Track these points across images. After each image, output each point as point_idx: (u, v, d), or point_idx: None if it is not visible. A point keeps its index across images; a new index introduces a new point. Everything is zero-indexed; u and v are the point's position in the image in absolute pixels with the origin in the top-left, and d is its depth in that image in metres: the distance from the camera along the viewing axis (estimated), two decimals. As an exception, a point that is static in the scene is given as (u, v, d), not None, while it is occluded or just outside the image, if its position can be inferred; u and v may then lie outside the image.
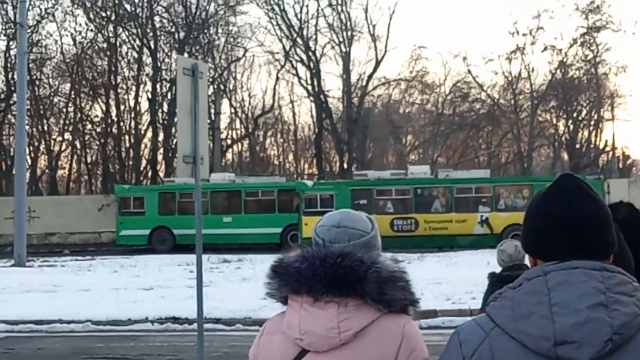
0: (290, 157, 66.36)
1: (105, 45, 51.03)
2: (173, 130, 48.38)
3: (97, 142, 52.60)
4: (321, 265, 2.48)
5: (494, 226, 32.25)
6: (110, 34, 50.79)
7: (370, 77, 53.38)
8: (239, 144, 61.37)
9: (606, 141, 53.80)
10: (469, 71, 53.17)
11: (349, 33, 52.83)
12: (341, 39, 53.00)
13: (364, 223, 2.72)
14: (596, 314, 1.95)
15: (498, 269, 7.16)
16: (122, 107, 51.69)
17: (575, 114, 52.83)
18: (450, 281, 19.95)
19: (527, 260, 6.71)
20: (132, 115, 51.89)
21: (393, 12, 69.75)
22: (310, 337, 2.50)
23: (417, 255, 27.84)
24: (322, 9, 53.75)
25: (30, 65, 45.77)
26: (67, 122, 52.02)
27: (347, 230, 2.67)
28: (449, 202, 33.20)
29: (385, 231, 29.00)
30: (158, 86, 50.75)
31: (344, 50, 53.10)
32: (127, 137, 51.97)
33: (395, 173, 35.54)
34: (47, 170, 53.00)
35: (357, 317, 2.47)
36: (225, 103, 55.12)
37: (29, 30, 41.89)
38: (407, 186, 33.41)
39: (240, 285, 21.02)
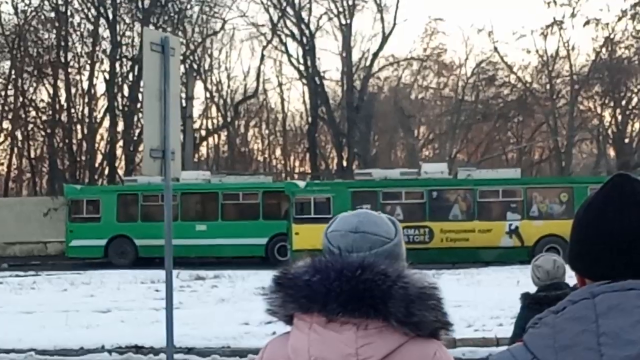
0: (278, 152, 66.51)
1: (53, 15, 50.99)
2: (135, 118, 48.44)
3: (43, 133, 52.56)
4: (337, 279, 2.45)
5: (525, 237, 32.34)
6: (60, 2, 50.73)
7: (375, 55, 53.52)
8: (216, 136, 61.41)
9: (662, 135, 53.97)
10: (496, 49, 53.31)
11: (350, 1, 52.91)
12: (341, 9, 53.14)
13: (386, 227, 2.73)
14: None
15: (532, 289, 7.19)
16: (73, 90, 51.68)
17: (624, 102, 52.93)
18: (472, 304, 19.94)
19: (567, 278, 6.72)
20: (86, 100, 51.84)
21: (404, -24, 70.04)
22: None
23: (432, 272, 27.84)
24: (318, -28, 53.81)
25: (-38, 39, 45.78)
26: (7, 108, 51.95)
27: (366, 235, 2.66)
28: (471, 208, 33.29)
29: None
30: (117, 65, 50.74)
31: (344, 22, 53.20)
32: (79, 126, 51.94)
33: (405, 172, 35.66)
34: (-19, 167, 52.99)
35: (380, 342, 2.46)
36: (199, 86, 55.26)
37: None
38: (420, 188, 33.50)
39: (216, 308, 21.00)
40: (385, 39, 52.72)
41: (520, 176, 35.54)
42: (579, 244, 2.14)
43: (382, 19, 52.78)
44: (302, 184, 35.81)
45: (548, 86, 52.84)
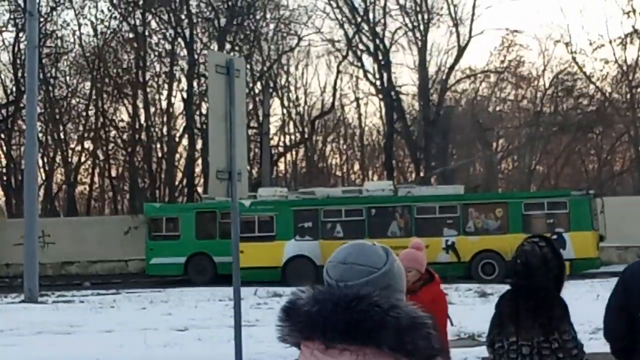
0: (357, 166, 66.42)
1: (131, 35, 51.70)
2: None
3: (123, 152, 53.24)
4: (334, 310, 2.60)
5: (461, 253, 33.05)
6: (138, 22, 51.47)
7: (451, 68, 53.26)
8: (294, 152, 61.59)
9: None
10: (574, 59, 52.66)
11: (426, 15, 52.76)
12: (416, 23, 52.98)
13: (375, 257, 2.81)
14: None
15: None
16: (152, 110, 52.33)
17: None
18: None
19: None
20: (165, 118, 52.47)
21: (479, -12, 69.56)
22: None
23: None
24: (392, -14, 53.71)
25: (44, 61, 46.60)
26: (88, 128, 52.81)
27: (353, 267, 2.77)
28: (409, 224, 33.82)
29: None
30: (195, 83, 51.07)
31: (419, 36, 53.04)
32: (158, 145, 52.52)
33: (347, 190, 36.76)
34: (64, 186, 53.78)
35: None
36: (275, 103, 55.49)
37: (41, 19, 42.59)
38: (359, 205, 34.02)
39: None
40: (461, 52, 52.46)
41: (462, 192, 35.77)
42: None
43: (457, 32, 52.58)
44: (247, 202, 35.11)
45: (628, 96, 52.07)
